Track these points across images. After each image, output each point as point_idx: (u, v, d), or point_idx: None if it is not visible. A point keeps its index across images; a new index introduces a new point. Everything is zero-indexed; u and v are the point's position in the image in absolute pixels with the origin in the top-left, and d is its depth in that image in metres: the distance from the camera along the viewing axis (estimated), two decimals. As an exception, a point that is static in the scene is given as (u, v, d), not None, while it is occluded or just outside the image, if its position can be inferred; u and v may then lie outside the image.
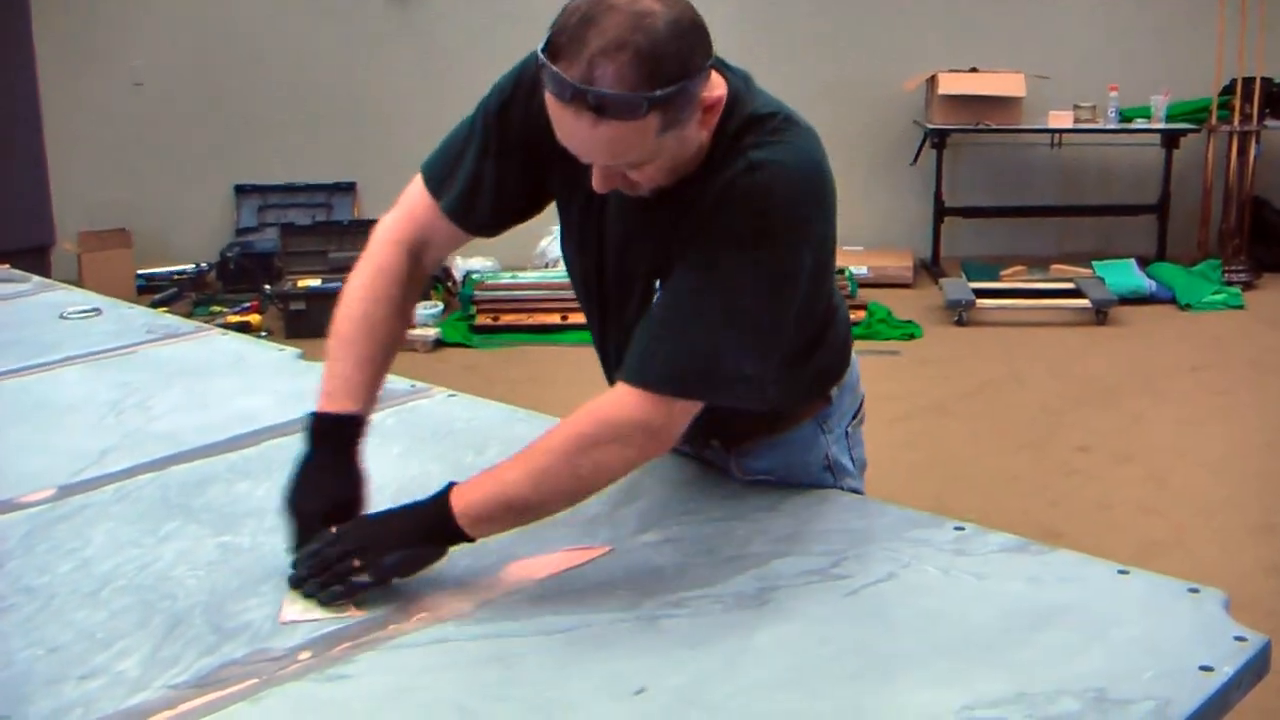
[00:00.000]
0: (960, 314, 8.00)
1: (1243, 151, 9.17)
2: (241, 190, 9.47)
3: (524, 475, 1.96)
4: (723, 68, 2.00)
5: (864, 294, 8.28)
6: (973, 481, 5.53)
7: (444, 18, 9.35)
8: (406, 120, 9.34)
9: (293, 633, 1.84)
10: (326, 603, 1.93)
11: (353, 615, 1.91)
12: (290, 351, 3.21)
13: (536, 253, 8.82)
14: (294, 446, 2.51)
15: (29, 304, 3.82)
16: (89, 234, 8.90)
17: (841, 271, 8.01)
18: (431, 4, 9.35)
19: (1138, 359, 7.46)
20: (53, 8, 8.57)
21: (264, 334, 7.97)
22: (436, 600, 1.92)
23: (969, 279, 8.54)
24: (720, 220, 1.93)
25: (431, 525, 1.96)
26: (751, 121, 1.98)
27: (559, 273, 8.27)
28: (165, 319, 3.68)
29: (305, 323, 8.01)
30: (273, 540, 2.12)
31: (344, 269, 8.28)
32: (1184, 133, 9.24)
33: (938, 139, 9.04)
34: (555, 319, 7.90)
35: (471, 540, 1.96)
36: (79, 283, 7.95)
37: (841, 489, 2.36)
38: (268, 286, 8.61)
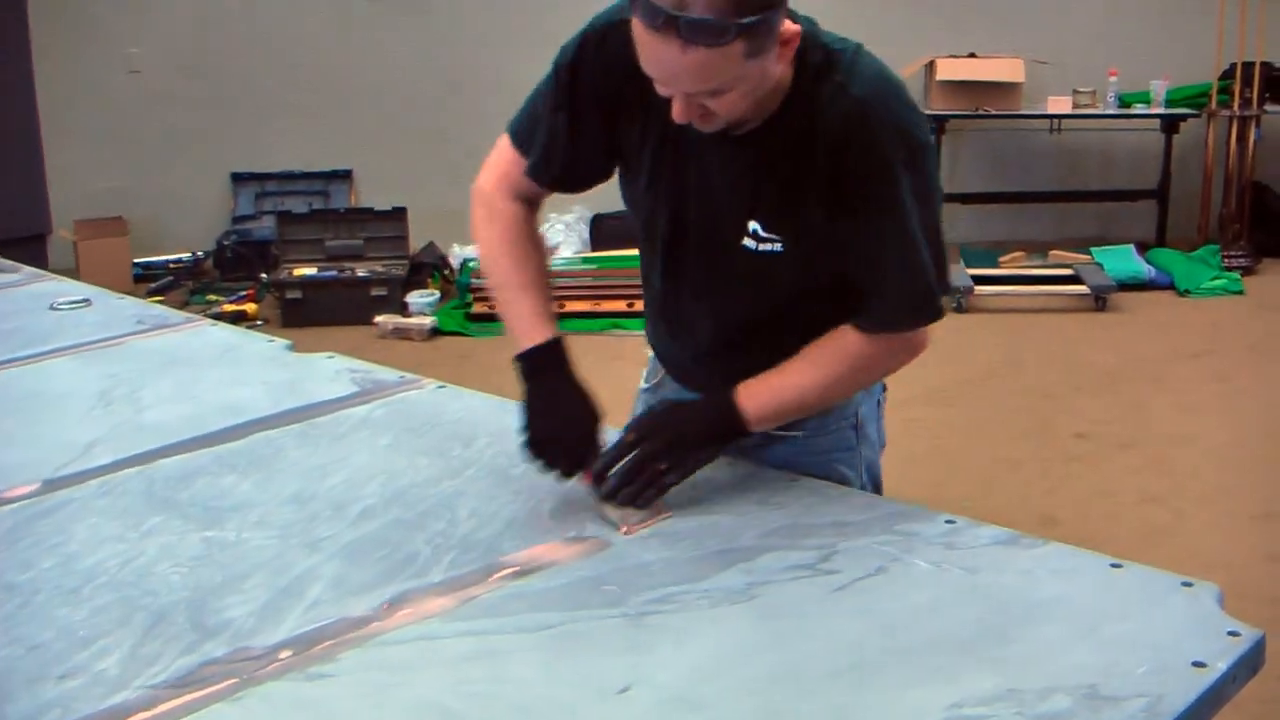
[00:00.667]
0: (959, 301, 7.98)
1: (1242, 137, 9.16)
2: (238, 178, 9.47)
3: (809, 380, 2.22)
4: (791, 13, 2.06)
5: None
6: (971, 469, 5.52)
7: (439, 4, 9.32)
8: (403, 107, 9.36)
9: (274, 630, 1.81)
10: (643, 507, 2.13)
11: (662, 515, 2.14)
12: (280, 342, 3.19)
13: (534, 240, 8.79)
14: (282, 439, 2.52)
15: (19, 294, 3.81)
16: (85, 222, 8.89)
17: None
18: (428, -10, 9.33)
19: (1137, 345, 7.45)
20: (48, -5, 8.58)
21: (260, 323, 7.97)
22: (420, 596, 1.90)
23: (968, 265, 8.52)
24: (867, 165, 2.05)
25: (725, 424, 2.20)
26: (831, 55, 2.08)
27: (556, 260, 8.27)
28: (155, 309, 3.66)
29: (302, 311, 8.02)
30: (257, 535, 2.11)
31: (341, 257, 8.28)
32: (1184, 118, 9.24)
33: (936, 125, 8.99)
34: (553, 307, 7.85)
35: (752, 436, 2.23)
36: (75, 271, 7.97)
37: (860, 455, 2.47)
38: (264, 275, 8.60)
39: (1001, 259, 8.82)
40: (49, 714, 1.62)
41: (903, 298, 2.16)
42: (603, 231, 8.97)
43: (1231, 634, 1.73)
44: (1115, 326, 7.84)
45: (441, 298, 8.34)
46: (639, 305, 7.88)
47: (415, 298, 8.14)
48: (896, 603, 1.85)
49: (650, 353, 2.60)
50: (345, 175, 9.46)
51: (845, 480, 2.41)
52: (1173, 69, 9.21)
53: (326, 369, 2.98)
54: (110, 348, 3.22)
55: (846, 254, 2.14)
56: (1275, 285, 8.63)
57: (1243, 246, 9.02)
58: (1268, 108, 9.17)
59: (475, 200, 2.42)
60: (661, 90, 2.00)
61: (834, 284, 2.18)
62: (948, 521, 2.10)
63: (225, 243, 9.09)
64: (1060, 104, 9.10)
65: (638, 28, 1.92)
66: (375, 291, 8.17)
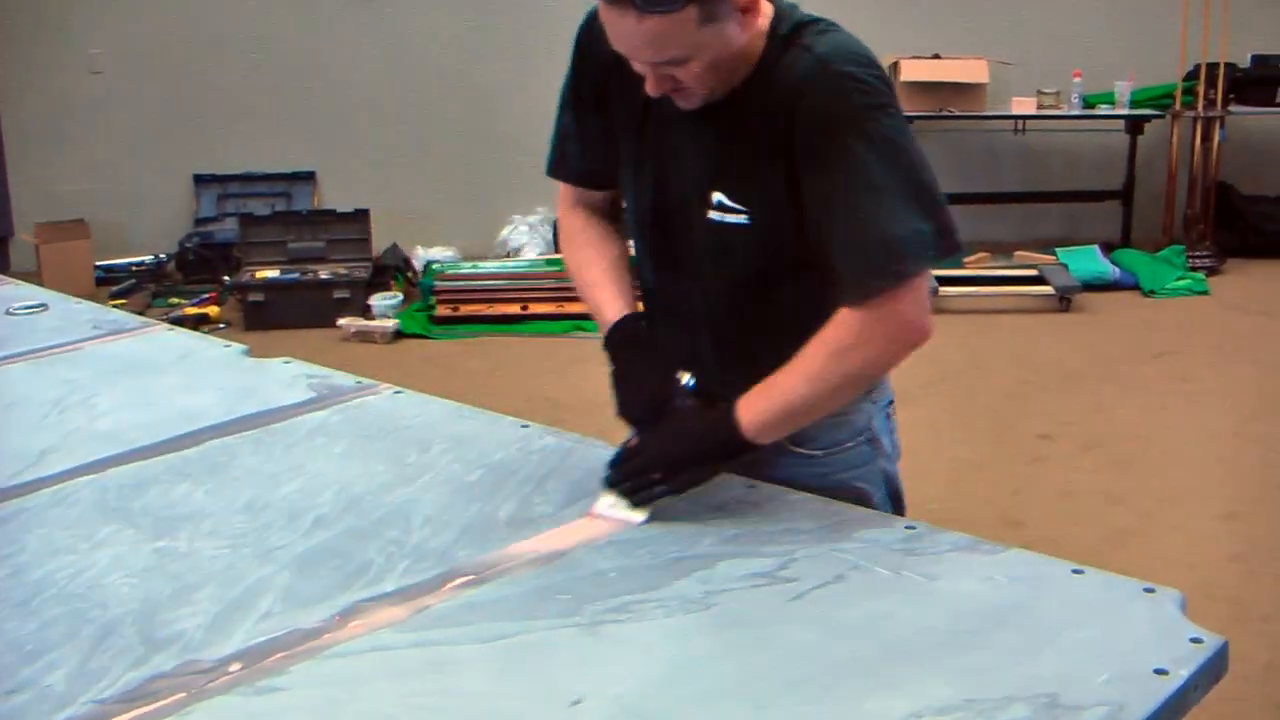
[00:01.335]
0: (924, 301, 7.95)
1: (1207, 137, 9.18)
2: (201, 180, 9.41)
3: (803, 383, 2.14)
4: None
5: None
6: (935, 471, 5.50)
7: (404, 5, 9.28)
8: (366, 108, 9.33)
9: (225, 643, 1.79)
10: (634, 505, 2.16)
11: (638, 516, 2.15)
12: (236, 347, 3.16)
13: (498, 242, 8.79)
14: (237, 446, 2.50)
15: (-26, 300, 3.77)
16: (47, 225, 8.84)
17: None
18: (391, -9, 9.30)
19: (1101, 346, 7.46)
20: (8, -5, 8.53)
21: (223, 325, 7.94)
22: (373, 607, 1.87)
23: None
24: (820, 116, 2.07)
25: (724, 441, 2.16)
26: (800, 25, 2.14)
27: (520, 262, 8.25)
28: (112, 314, 3.62)
29: (264, 314, 7.99)
30: (209, 545, 2.08)
31: (304, 259, 8.26)
32: (1148, 118, 9.25)
33: (901, 125, 8.98)
34: (516, 309, 7.88)
35: (757, 450, 2.18)
36: (38, 274, 7.92)
37: (878, 468, 2.45)
38: (227, 278, 8.56)
39: (966, 260, 8.81)
40: (-7, 730, 1.60)
41: (864, 254, 2.09)
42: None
43: (1194, 640, 1.71)
44: (1080, 327, 7.85)
45: (404, 300, 8.31)
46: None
47: (378, 300, 8.11)
48: (854, 611, 1.83)
49: None
50: (308, 176, 9.41)
51: (866, 496, 2.40)
52: (1137, 70, 9.23)
53: (283, 374, 2.95)
54: (66, 353, 3.18)
55: (814, 219, 2.14)
56: (1240, 285, 8.66)
57: (1207, 247, 9.04)
58: (1232, 108, 9.19)
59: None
60: (633, 66, 2.08)
61: (817, 259, 2.16)
62: (908, 528, 2.09)
63: (188, 245, 9.05)
64: (1025, 105, 9.11)
65: (600, 5, 2.00)
66: (338, 294, 8.13)
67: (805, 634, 1.77)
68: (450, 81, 9.17)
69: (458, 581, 1.95)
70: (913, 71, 8.95)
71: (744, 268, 2.26)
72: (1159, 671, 1.64)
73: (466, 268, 8.28)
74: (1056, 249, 8.94)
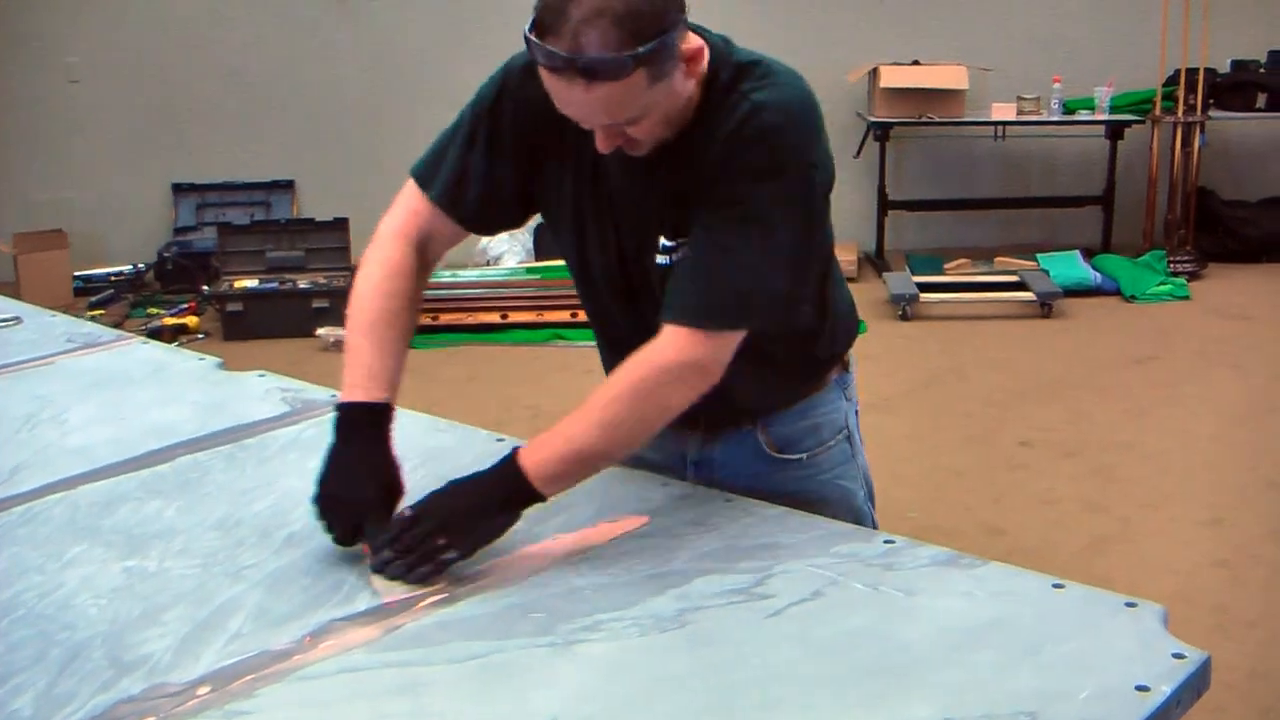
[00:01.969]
0: (904, 308, 7.98)
1: (1187, 142, 9.18)
2: (179, 189, 9.38)
3: (592, 427, 2.09)
4: (701, 31, 2.13)
5: (808, 289, 8.21)
6: (915, 479, 5.49)
7: (382, 12, 9.26)
8: (345, 116, 9.31)
9: (193, 665, 1.76)
10: (415, 583, 1.99)
11: (439, 586, 1.98)
12: (210, 360, 3.14)
13: (477, 250, 8.76)
14: (209, 462, 2.48)
15: (-52, 313, 3.74)
16: (24, 235, 8.79)
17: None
18: (370, -1, 9.28)
19: (1083, 352, 7.46)
20: (-15, 4, 8.50)
21: (201, 336, 7.91)
22: (344, 627, 1.85)
23: (913, 272, 8.53)
24: (737, 161, 2.07)
25: (508, 492, 2.07)
26: (741, 69, 2.12)
27: (500, 271, 8.22)
28: (86, 327, 3.59)
29: (243, 324, 7.96)
30: (180, 564, 2.07)
31: (282, 269, 8.22)
32: (1128, 124, 9.25)
33: (880, 132, 9.02)
34: (495, 318, 7.86)
35: (544, 499, 2.08)
36: (15, 285, 7.89)
37: (857, 465, 2.55)
38: (205, 288, 8.52)
39: (947, 266, 8.81)
40: (-44, 757, 1.58)
41: (729, 290, 2.09)
42: (547, 241, 8.92)
43: (1176, 656, 1.70)
44: (1061, 333, 7.84)
45: (385, 310, 8.25)
46: (584, 315, 7.93)
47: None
48: (832, 628, 1.81)
49: None
50: (287, 185, 9.38)
51: (850, 494, 2.49)
52: (1117, 75, 9.23)
53: (256, 388, 2.93)
54: (39, 368, 3.16)
55: (691, 241, 2.14)
56: (1221, 290, 8.66)
57: (1188, 252, 9.04)
58: (1212, 113, 9.19)
59: (372, 240, 2.35)
60: (582, 124, 2.06)
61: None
62: (886, 541, 2.07)
63: (166, 255, 9.02)
64: (1004, 111, 9.11)
65: (543, 73, 1.98)
66: (317, 303, 8.08)
67: (782, 652, 1.75)
68: (429, 89, 9.13)
69: (430, 600, 1.93)
70: (892, 78, 8.94)
71: None
72: (1141, 688, 1.62)
73: (446, 276, 8.24)
74: (1037, 255, 8.93)
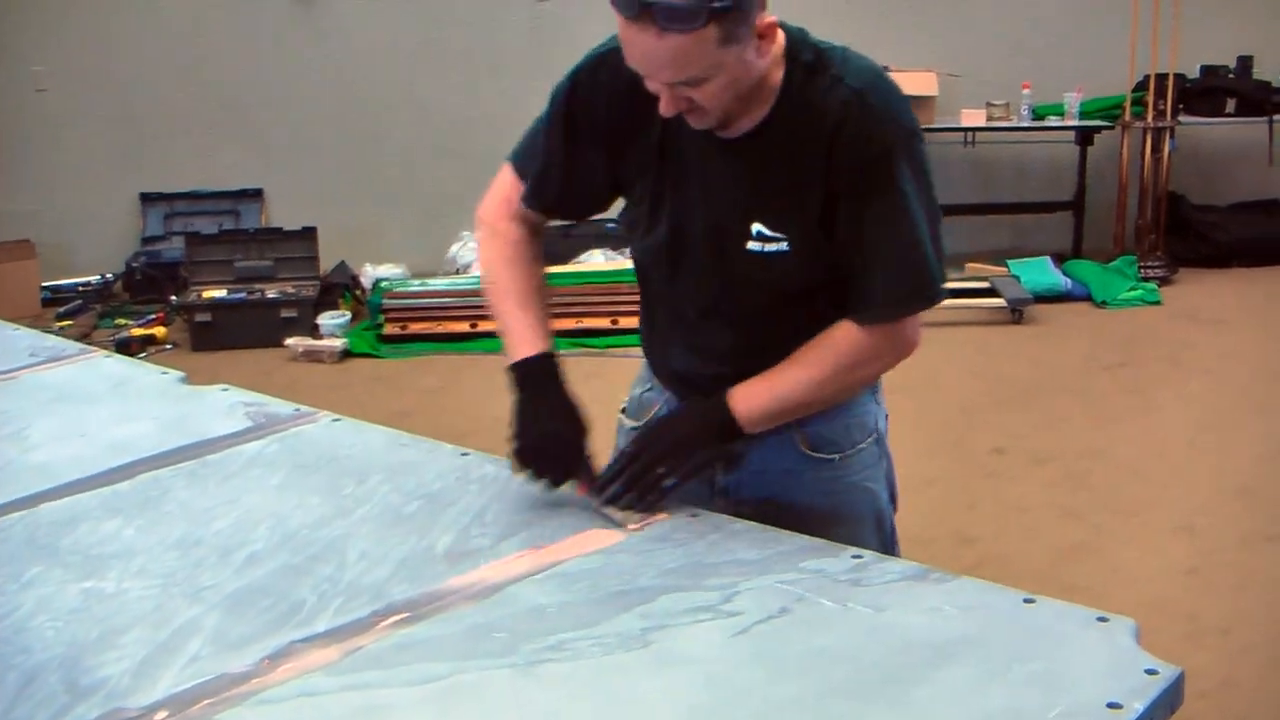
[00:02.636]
0: (876, 315, 7.94)
1: (1157, 147, 9.21)
2: (147, 198, 9.34)
3: (800, 383, 2.28)
4: (780, 23, 2.20)
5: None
6: (888, 487, 5.47)
7: (349, 21, 9.23)
8: (313, 124, 9.28)
9: (151, 689, 1.73)
10: (644, 510, 2.21)
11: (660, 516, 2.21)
12: (173, 374, 3.11)
13: (446, 258, 8.73)
14: (170, 480, 2.45)
15: (-92, 327, 3.71)
16: (-10, 246, 8.74)
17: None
18: (336, 7, 9.23)
19: (1054, 358, 7.46)
20: (-51, 14, 8.45)
21: (170, 346, 7.89)
22: (304, 649, 1.82)
23: (885, 279, 8.49)
24: (864, 146, 2.13)
25: (719, 425, 2.27)
26: (821, 54, 2.22)
27: (469, 279, 8.18)
28: (49, 341, 3.56)
29: (212, 335, 7.92)
30: (138, 585, 2.03)
31: (250, 279, 8.17)
32: (1098, 129, 9.28)
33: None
34: (464, 327, 7.81)
35: (746, 437, 2.29)
36: (-17, 296, 7.83)
37: (883, 469, 2.63)
38: (174, 298, 8.48)
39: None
40: (-95, 787, 1.55)
41: (905, 277, 2.22)
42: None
43: (1149, 672, 1.67)
44: (1032, 339, 7.85)
45: (352, 319, 8.26)
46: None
47: (326, 319, 8.05)
48: (799, 647, 1.78)
49: (640, 389, 2.63)
50: (256, 194, 9.35)
51: (875, 496, 2.58)
52: (1086, 81, 9.25)
53: (219, 403, 2.90)
54: (1, 383, 3.12)
55: (849, 241, 2.20)
56: (1192, 295, 8.68)
57: (1159, 257, 9.07)
58: (1181, 118, 9.23)
59: (477, 225, 2.51)
60: (649, 85, 2.10)
61: (842, 278, 2.26)
62: (855, 557, 2.05)
63: (134, 265, 8.98)
64: (974, 117, 9.12)
65: (619, 24, 2.02)
66: (285, 313, 8.07)
67: (748, 672, 1.72)
68: (397, 97, 9.12)
69: (391, 620, 1.90)
70: (863, 84, 8.92)
71: (782, 294, 2.31)
72: (1113, 705, 1.60)
73: (415, 285, 8.21)
74: (1008, 261, 8.94)
